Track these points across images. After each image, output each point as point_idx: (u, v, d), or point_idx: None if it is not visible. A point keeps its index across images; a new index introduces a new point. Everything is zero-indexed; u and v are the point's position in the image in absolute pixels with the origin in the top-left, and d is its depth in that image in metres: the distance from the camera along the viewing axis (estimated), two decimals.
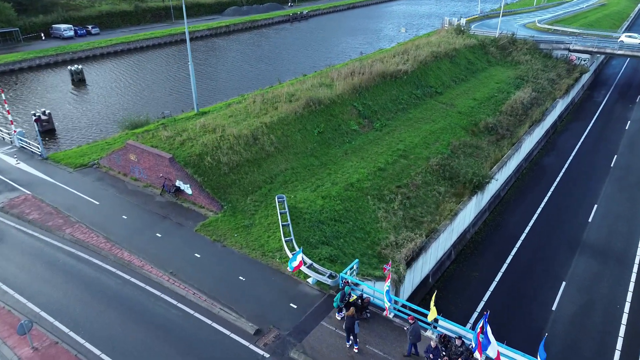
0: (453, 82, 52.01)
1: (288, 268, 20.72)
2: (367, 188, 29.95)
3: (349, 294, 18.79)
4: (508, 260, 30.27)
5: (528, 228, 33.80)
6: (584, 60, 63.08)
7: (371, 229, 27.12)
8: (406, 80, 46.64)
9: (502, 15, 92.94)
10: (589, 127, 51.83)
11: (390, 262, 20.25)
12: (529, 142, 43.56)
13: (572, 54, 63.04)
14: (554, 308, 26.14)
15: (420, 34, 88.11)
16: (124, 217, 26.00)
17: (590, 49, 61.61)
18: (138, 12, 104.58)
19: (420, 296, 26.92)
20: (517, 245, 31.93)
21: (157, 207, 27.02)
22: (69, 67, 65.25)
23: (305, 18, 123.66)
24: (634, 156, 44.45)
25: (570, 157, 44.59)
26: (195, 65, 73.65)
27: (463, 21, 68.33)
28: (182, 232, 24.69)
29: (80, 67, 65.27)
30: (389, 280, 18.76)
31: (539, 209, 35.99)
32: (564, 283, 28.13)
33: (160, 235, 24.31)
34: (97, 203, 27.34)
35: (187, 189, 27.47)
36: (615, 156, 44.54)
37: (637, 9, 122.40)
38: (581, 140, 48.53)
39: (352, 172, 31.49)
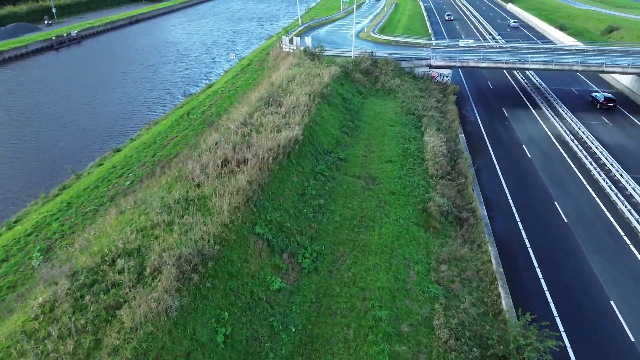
0: (345, 134, 37.76)
1: None
2: None
3: None
4: None
5: None
6: (446, 77, 56.44)
7: None
8: (300, 152, 30.30)
9: (322, 25, 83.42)
10: (495, 162, 43.97)
11: None
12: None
13: (434, 70, 55.67)
14: None
15: (244, 56, 71.73)
16: None
17: (453, 63, 55.05)
18: None
19: None
20: None
21: None
22: None
23: (76, 41, 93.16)
24: (570, 199, 37.39)
25: (517, 217, 35.07)
26: None
27: (308, 41, 54.54)
28: None
29: None
30: None
31: (565, 337, 24.48)
32: None
33: None
34: None
35: None
36: (556, 203, 36.80)
37: (423, 8, 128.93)
38: (504, 184, 39.94)
39: None
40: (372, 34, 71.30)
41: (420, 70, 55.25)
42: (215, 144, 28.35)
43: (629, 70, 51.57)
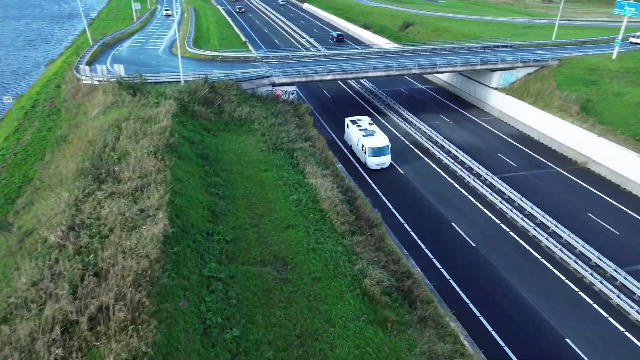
0: (216, 197, 28.41)
1: None
2: None
3: None
4: None
5: None
6: (292, 94, 50.69)
7: None
8: (177, 254, 20.35)
9: (120, 40, 69.23)
10: (375, 188, 39.98)
11: None
12: None
13: (277, 88, 49.29)
14: None
15: (22, 93, 53.37)
16: None
17: (297, 79, 49.49)
18: None
19: None
20: None
21: None
22: None
23: None
24: (465, 218, 35.49)
25: (430, 255, 31.37)
26: None
27: (120, 69, 41.65)
28: None
29: None
30: None
31: None
32: None
33: None
34: None
35: None
36: (455, 225, 34.42)
37: (224, 12, 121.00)
38: (397, 214, 36.08)
39: None
40: (188, 48, 60.78)
41: (263, 90, 48.14)
42: (34, 285, 16.58)
43: (459, 68, 53.71)
